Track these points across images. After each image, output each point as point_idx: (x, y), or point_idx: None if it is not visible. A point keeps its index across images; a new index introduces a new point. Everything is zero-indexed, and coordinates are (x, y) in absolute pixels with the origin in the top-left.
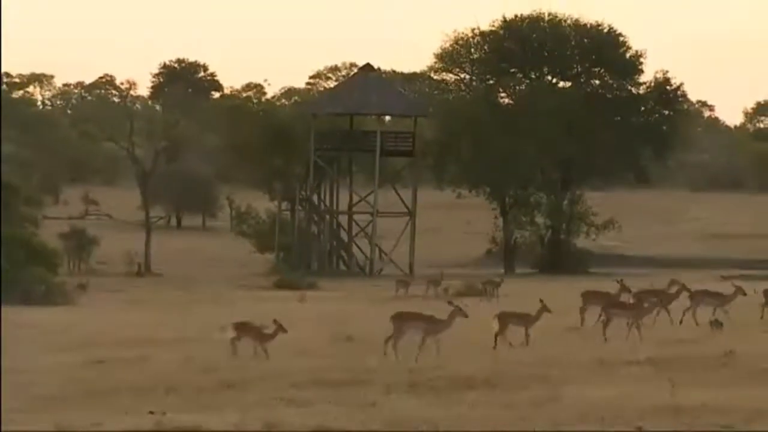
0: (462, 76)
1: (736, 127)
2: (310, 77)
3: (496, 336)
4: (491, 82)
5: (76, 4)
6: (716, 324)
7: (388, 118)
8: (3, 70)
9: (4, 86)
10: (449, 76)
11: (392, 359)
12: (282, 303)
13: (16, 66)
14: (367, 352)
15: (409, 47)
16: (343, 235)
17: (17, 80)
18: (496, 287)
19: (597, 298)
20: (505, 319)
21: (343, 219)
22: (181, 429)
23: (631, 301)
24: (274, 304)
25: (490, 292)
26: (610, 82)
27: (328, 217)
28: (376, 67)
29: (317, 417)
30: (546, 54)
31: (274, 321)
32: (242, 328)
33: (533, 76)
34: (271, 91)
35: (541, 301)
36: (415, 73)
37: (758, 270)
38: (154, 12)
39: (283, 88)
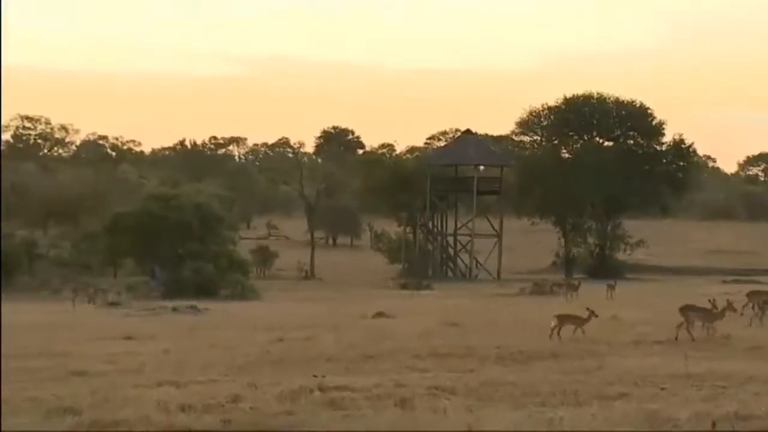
0: (535, 138)
1: (732, 174)
2: (427, 138)
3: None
4: (555, 142)
5: (261, 86)
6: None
7: (482, 167)
8: (210, 135)
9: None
10: (526, 138)
11: (488, 340)
12: (406, 299)
13: (220, 131)
14: (467, 333)
15: (497, 116)
16: (450, 251)
17: (221, 141)
18: (612, 289)
19: (760, 296)
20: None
21: (450, 239)
22: (337, 387)
23: None
24: (399, 300)
25: (610, 293)
26: (641, 142)
27: (439, 237)
28: (473, 131)
29: (432, 379)
30: (594, 122)
31: (587, 309)
32: (563, 318)
33: (585, 138)
34: (399, 149)
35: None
36: (501, 136)
37: (746, 276)
38: (321, 91)
39: (407, 146)
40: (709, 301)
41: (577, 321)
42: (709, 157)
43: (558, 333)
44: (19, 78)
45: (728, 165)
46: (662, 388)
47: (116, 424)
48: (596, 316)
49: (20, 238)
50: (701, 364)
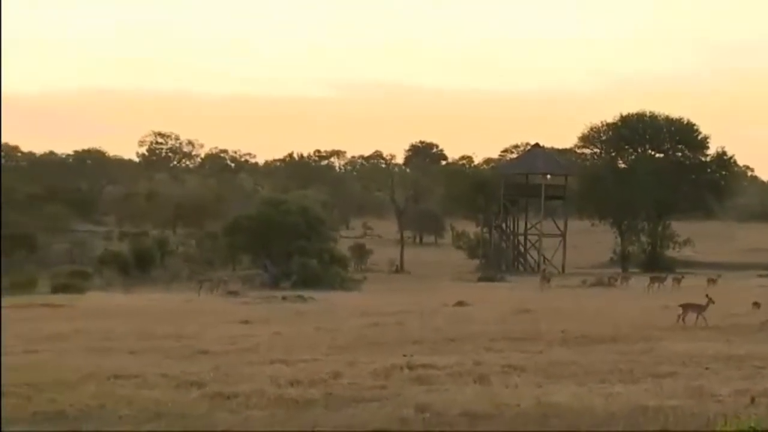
0: (595, 150)
1: None
2: (501, 151)
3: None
4: (613, 154)
5: (355, 107)
6: (756, 305)
7: (549, 176)
8: (315, 149)
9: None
10: (587, 150)
11: (554, 325)
12: (482, 290)
13: (323, 145)
14: (536, 320)
15: (562, 132)
16: (521, 248)
17: (324, 154)
18: (679, 281)
19: None
20: (686, 306)
21: (521, 238)
22: (423, 365)
23: None
24: (477, 290)
25: (676, 283)
26: (688, 154)
27: (511, 236)
28: (542, 144)
29: (506, 359)
30: (647, 137)
31: (707, 296)
32: (686, 306)
33: (639, 151)
34: (477, 160)
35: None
36: (566, 148)
37: None
38: (410, 110)
39: (484, 157)
40: None
41: (699, 308)
42: (747, 167)
43: (683, 320)
44: (155, 100)
45: (765, 173)
46: (707, 368)
47: (235, 396)
48: (713, 303)
49: (153, 237)
50: (741, 347)
